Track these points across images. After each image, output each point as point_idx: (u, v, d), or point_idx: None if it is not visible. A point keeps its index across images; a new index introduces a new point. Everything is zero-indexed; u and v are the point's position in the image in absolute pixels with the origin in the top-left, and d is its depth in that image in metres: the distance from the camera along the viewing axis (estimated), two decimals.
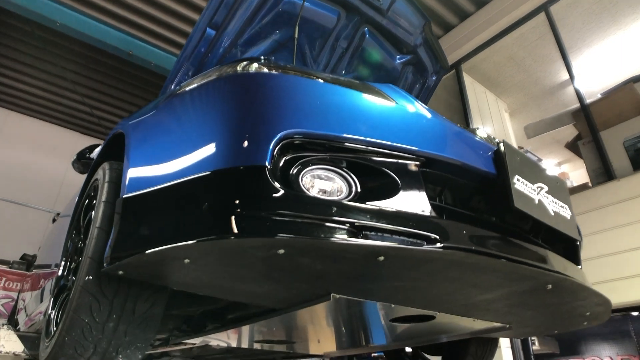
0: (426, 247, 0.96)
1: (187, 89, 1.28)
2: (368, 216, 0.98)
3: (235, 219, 0.91)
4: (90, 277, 1.22)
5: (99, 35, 5.56)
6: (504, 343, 3.64)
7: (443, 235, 1.02)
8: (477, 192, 1.31)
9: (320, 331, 1.84)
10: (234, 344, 2.27)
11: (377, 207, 1.01)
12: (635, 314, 6.56)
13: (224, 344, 2.69)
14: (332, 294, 1.22)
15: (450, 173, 1.23)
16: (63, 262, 1.72)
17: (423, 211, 1.06)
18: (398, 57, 2.88)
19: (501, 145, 1.29)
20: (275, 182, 0.97)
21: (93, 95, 7.35)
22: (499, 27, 5.37)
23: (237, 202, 0.94)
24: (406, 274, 1.09)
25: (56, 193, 7.73)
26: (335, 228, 0.93)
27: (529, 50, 5.66)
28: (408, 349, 2.69)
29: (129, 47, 5.74)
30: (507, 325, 1.76)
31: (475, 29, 5.52)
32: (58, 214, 3.47)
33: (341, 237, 0.92)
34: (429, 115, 1.27)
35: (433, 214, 1.07)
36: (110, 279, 1.24)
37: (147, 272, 1.11)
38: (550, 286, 1.24)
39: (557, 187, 1.43)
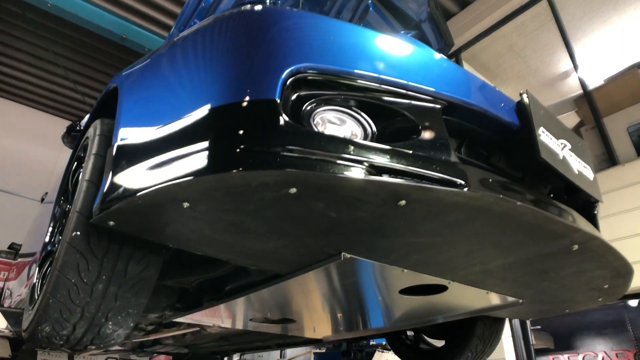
0: (454, 189, 0.87)
1: (191, 31, 1.17)
2: (388, 157, 0.89)
3: (242, 151, 0.81)
4: (78, 233, 1.12)
5: (91, 18, 5.40)
6: (505, 332, 3.57)
7: (470, 181, 0.92)
8: (498, 148, 1.22)
9: (319, 308, 1.74)
10: (228, 325, 2.17)
11: (397, 149, 0.92)
12: (634, 304, 6.55)
13: (217, 329, 2.58)
14: (342, 253, 1.13)
15: (471, 122, 1.14)
16: (50, 229, 1.61)
17: (447, 157, 0.96)
18: (402, 32, 2.79)
19: (524, 95, 1.20)
20: (286, 117, 0.87)
21: (85, 82, 7.18)
22: (499, 15, 5.30)
23: (244, 135, 0.83)
24: (426, 226, 1.00)
25: (47, 182, 7.55)
26: (353, 167, 0.84)
27: (529, 40, 5.60)
28: (410, 333, 2.60)
29: (123, 30, 5.59)
30: (520, 301, 1.67)
31: (475, 17, 5.45)
32: (46, 193, 3.34)
33: (360, 174, 0.83)
34: (449, 61, 1.18)
35: (457, 160, 0.97)
36: (100, 235, 1.14)
37: (141, 222, 1.00)
38: (576, 247, 1.15)
39: (580, 147, 1.35)
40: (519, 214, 0.96)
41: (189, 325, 2.79)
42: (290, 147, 0.83)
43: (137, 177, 0.95)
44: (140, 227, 1.03)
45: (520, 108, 1.20)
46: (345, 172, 0.82)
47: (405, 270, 1.28)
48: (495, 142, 1.20)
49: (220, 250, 1.13)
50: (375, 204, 0.89)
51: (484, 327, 2.19)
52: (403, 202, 0.89)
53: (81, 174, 1.25)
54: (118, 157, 1.06)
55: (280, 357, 4.75)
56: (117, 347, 3.66)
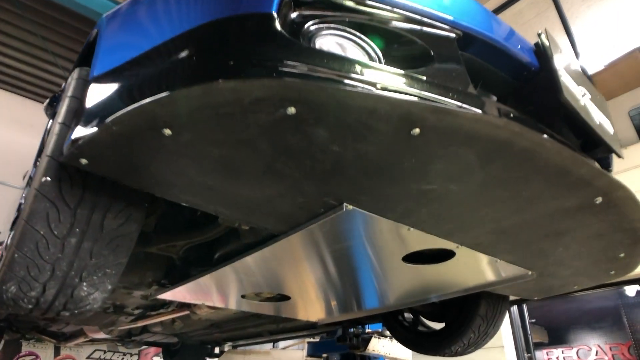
0: (475, 112, 0.76)
1: None
2: (399, 80, 0.78)
3: (233, 60, 0.69)
4: (48, 179, 0.99)
5: (81, 0, 5.23)
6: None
7: (490, 113, 0.82)
8: (514, 92, 1.11)
9: (314, 279, 1.63)
10: (219, 304, 2.05)
11: (410, 74, 0.81)
12: (631, 293, 6.53)
13: (206, 311, 2.46)
14: (344, 204, 1.02)
15: (487, 60, 1.03)
16: (25, 190, 1.48)
17: (464, 87, 0.85)
18: None
19: (543, 36, 1.10)
20: (285, 33, 0.76)
21: None
22: (496, 3, 5.23)
23: (236, 45, 0.72)
24: (440, 167, 0.89)
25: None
26: (360, 85, 0.72)
27: (525, 29, 5.53)
28: (408, 315, 2.50)
29: None
30: (529, 272, 1.57)
31: None
32: (27, 172, 3.18)
33: (369, 90, 0.72)
34: None
35: (475, 92, 0.87)
36: (73, 182, 1.01)
37: (117, 159, 0.88)
38: (600, 199, 1.05)
39: (599, 99, 1.25)
40: (545, 150, 0.86)
41: (178, 309, 2.66)
42: (289, 61, 0.71)
43: (112, 103, 0.83)
44: (117, 167, 0.91)
45: (540, 48, 1.09)
46: (353, 88, 0.71)
47: (411, 229, 1.18)
48: (511, 85, 1.10)
49: (208, 199, 1.01)
50: (385, 134, 0.78)
51: (487, 306, 2.09)
52: (417, 131, 0.78)
53: (54, 117, 1.12)
54: (93, 89, 0.94)
55: (273, 347, 4.62)
56: (103, 336, 3.52)
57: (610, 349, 7.28)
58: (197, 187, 0.96)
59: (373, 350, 2.92)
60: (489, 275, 1.59)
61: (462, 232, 1.22)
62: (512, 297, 2.33)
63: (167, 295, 1.84)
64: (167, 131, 0.78)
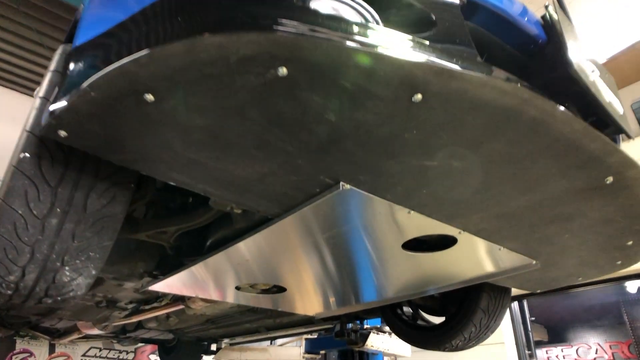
0: (482, 76, 0.71)
1: None
2: (400, 43, 0.72)
3: (218, 13, 0.64)
4: (27, 155, 0.93)
5: None
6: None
7: (498, 77, 0.76)
8: (519, 67, 1.06)
9: (310, 268, 1.57)
10: (213, 297, 1.99)
11: (411, 37, 0.75)
12: (632, 290, 6.48)
13: (201, 305, 2.40)
14: (341, 183, 0.97)
15: (492, 31, 0.98)
16: None
17: (469, 54, 0.80)
18: None
19: (550, 8, 1.04)
20: None
21: None
22: None
23: (224, 1, 0.66)
24: (442, 141, 0.84)
25: None
26: (358, 46, 0.67)
27: None
28: (407, 309, 2.44)
29: None
30: (534, 262, 1.52)
31: None
32: None
33: (368, 50, 0.66)
34: None
35: (481, 60, 0.81)
36: (54, 159, 0.96)
37: (98, 130, 0.82)
38: (611, 179, 1.00)
39: (608, 77, 1.19)
40: (555, 121, 0.80)
41: (172, 303, 2.61)
42: (281, 17, 0.66)
43: (91, 70, 0.77)
44: (99, 140, 0.85)
45: (547, 21, 1.04)
46: (350, 47, 0.65)
47: (412, 213, 1.12)
48: (518, 59, 1.04)
49: (196, 177, 0.95)
50: (384, 100, 0.73)
51: (489, 299, 2.04)
52: (419, 97, 0.72)
53: (35, 92, 1.06)
54: (74, 60, 0.88)
55: (271, 344, 4.57)
56: (97, 332, 3.46)
57: (610, 347, 7.25)
58: (184, 163, 0.90)
59: (372, 346, 2.86)
60: (492, 265, 1.53)
61: (465, 216, 1.16)
62: (513, 292, 2.28)
63: (159, 287, 1.78)
64: (149, 97, 0.72)
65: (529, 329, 3.79)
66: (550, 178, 0.99)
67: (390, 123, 0.78)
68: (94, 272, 1.09)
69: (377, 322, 3.57)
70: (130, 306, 2.68)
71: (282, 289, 1.86)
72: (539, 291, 2.01)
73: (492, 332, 2.14)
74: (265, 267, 1.51)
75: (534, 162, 0.92)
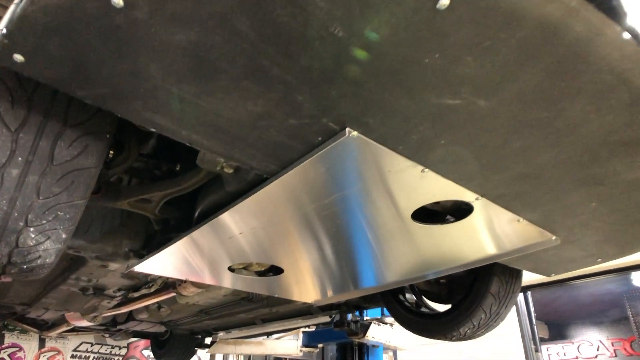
0: None
1: None
2: None
3: None
4: None
5: None
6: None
7: None
8: None
9: (310, 243, 1.44)
10: (205, 280, 1.86)
11: None
12: (637, 284, 6.37)
13: (193, 291, 2.26)
14: (347, 129, 0.84)
15: None
16: None
17: None
18: None
19: None
20: None
21: None
22: None
23: None
24: (469, 68, 0.71)
25: None
26: None
27: None
28: (410, 295, 2.31)
29: None
30: (553, 238, 1.39)
31: None
32: None
33: None
34: None
35: None
36: (14, 99, 0.82)
37: (58, 52, 0.69)
38: None
39: None
40: (605, 44, 0.67)
41: (163, 290, 2.47)
42: None
43: None
44: (61, 67, 0.72)
45: None
46: None
47: (426, 172, 0.99)
48: None
49: (180, 119, 0.82)
50: (403, 4, 0.60)
51: (500, 283, 1.91)
52: (445, 3, 0.59)
53: None
54: None
55: (267, 337, 4.43)
56: (87, 324, 3.32)
57: (613, 344, 7.15)
58: (165, 100, 0.77)
59: (372, 337, 2.73)
60: (508, 241, 1.40)
61: (485, 177, 1.04)
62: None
63: (145, 267, 1.65)
64: (118, 0, 0.59)
65: (534, 322, 3.67)
66: (587, 125, 0.86)
67: (408, 40, 0.65)
68: (64, 235, 0.96)
69: (377, 313, 3.45)
70: (118, 294, 2.55)
71: (278, 271, 1.73)
72: (552, 275, 1.89)
73: (502, 319, 2.01)
74: (259, 243, 1.38)
75: (571, 102, 0.80)
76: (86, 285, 2.31)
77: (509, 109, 0.81)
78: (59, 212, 0.92)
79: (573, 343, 7.51)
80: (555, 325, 7.78)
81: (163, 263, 1.61)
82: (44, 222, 0.91)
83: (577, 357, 7.33)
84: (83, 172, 0.91)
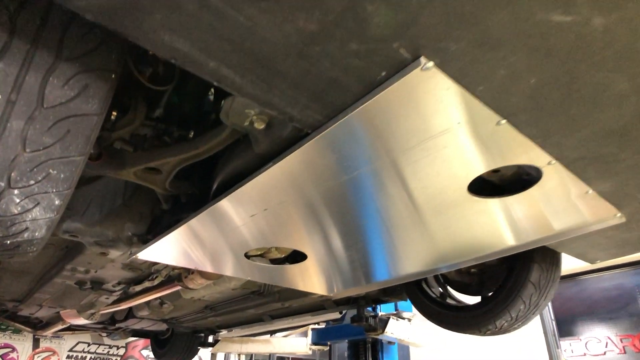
0: None
1: None
2: None
3: None
4: None
5: None
6: None
7: None
8: None
9: (346, 220, 1.26)
10: (217, 269, 1.67)
11: None
12: None
13: (200, 283, 2.06)
14: (421, 57, 0.65)
15: None
16: None
17: None
18: None
19: None
20: None
21: None
22: None
23: None
24: None
25: None
26: None
27: None
28: (436, 289, 2.13)
29: None
30: (618, 214, 1.22)
31: None
32: None
33: None
34: None
35: None
36: None
37: None
38: None
39: None
40: None
41: (167, 283, 2.28)
42: None
43: None
44: None
45: None
46: None
47: (502, 124, 0.82)
48: None
49: (206, 46, 0.63)
50: None
51: (540, 271, 1.74)
52: None
53: None
54: None
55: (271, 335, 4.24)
56: (84, 322, 3.12)
57: (622, 340, 7.01)
58: (192, 11, 0.58)
59: (391, 334, 2.56)
60: (570, 217, 1.22)
61: (569, 132, 0.86)
62: None
63: (150, 254, 1.46)
64: None
65: (552, 317, 3.50)
66: None
67: None
68: (57, 202, 0.77)
69: (390, 309, 3.27)
70: (118, 288, 2.35)
71: (300, 257, 1.54)
72: (598, 262, 1.72)
73: (540, 311, 1.84)
74: (285, 222, 1.20)
75: None
76: (83, 278, 2.12)
77: (628, 30, 0.63)
78: (51, 171, 0.73)
79: (580, 340, 7.36)
80: (562, 321, 7.63)
81: (171, 249, 1.43)
82: (32, 182, 0.72)
83: (584, 354, 7.19)
84: (82, 120, 0.72)
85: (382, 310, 3.14)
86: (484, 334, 1.87)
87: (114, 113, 1.04)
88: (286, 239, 1.34)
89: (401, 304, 3.43)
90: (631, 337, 6.96)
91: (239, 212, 1.13)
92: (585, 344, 7.34)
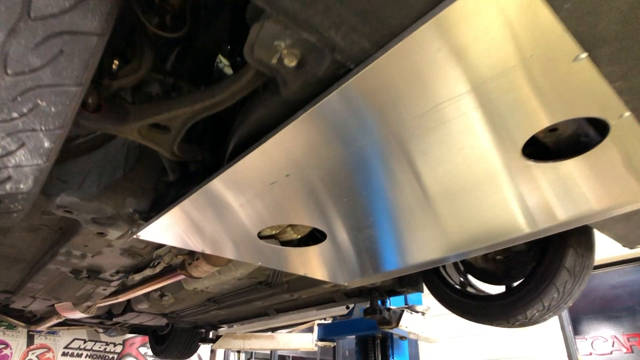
0: None
1: None
2: None
3: None
4: None
5: None
6: None
7: None
8: None
9: (370, 196, 1.13)
10: (227, 253, 1.53)
11: None
12: None
13: (203, 271, 1.92)
14: None
15: None
16: None
17: None
18: None
19: None
20: None
21: None
22: None
23: None
24: None
25: None
26: None
27: None
28: (456, 278, 2.00)
29: None
30: None
31: None
32: None
33: None
34: None
35: None
36: None
37: None
38: None
39: None
40: None
41: (169, 272, 2.14)
42: None
43: None
44: None
45: None
46: None
47: (581, 59, 0.68)
48: None
49: None
50: None
51: (575, 256, 1.61)
52: None
53: None
54: None
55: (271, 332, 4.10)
56: (80, 315, 2.97)
57: (629, 339, 6.89)
58: None
59: (405, 327, 2.42)
60: (629, 186, 1.09)
61: None
62: None
63: (153, 232, 1.32)
64: None
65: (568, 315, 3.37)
66: None
67: None
68: (47, 144, 0.62)
69: (400, 302, 3.14)
70: (116, 277, 2.21)
71: (318, 237, 1.40)
72: (634, 248, 1.61)
73: (573, 301, 1.71)
74: (311, 191, 1.06)
75: None
76: (79, 265, 1.97)
77: None
78: (40, 102, 0.59)
79: (587, 339, 7.24)
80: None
81: (177, 227, 1.28)
82: (15, 116, 0.58)
83: (591, 354, 7.07)
84: (79, 40, 0.58)
85: (392, 304, 3.00)
86: (513, 325, 1.74)
87: (116, 62, 0.91)
88: (307, 214, 1.20)
89: (411, 297, 3.29)
90: (638, 336, 6.85)
91: (258, 178, 0.99)
92: (591, 343, 7.22)
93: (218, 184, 1.01)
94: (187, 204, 1.11)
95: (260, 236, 1.37)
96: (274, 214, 1.19)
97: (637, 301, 6.79)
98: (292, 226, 1.39)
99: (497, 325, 1.78)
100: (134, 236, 1.35)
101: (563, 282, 1.60)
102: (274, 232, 1.39)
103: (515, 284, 1.80)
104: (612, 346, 7.01)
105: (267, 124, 0.85)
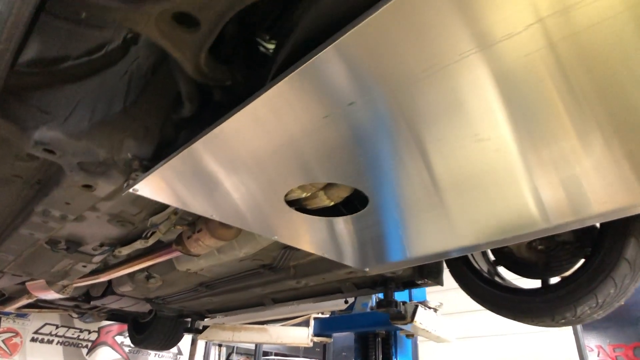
0: None
1: None
2: None
3: None
4: None
5: None
6: None
7: None
8: None
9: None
10: (240, 223, 1.29)
11: None
12: None
13: (201, 248, 1.65)
14: None
15: None
16: None
17: None
18: None
19: None
20: None
21: None
22: None
23: None
24: None
25: None
26: None
27: None
28: (485, 268, 1.79)
29: None
30: None
31: None
32: None
33: None
34: None
35: None
36: None
37: None
38: None
39: None
40: None
41: (163, 247, 1.87)
42: None
43: None
44: None
45: None
46: None
47: None
48: None
49: None
50: None
51: (637, 248, 1.41)
52: None
53: None
54: None
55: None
56: (54, 296, 2.66)
57: (614, 349, 6.86)
58: None
59: (420, 324, 2.21)
60: None
61: None
62: None
63: (154, 186, 1.06)
64: None
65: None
66: None
67: None
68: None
69: (404, 297, 2.93)
70: (99, 251, 1.93)
71: (363, 200, 1.16)
72: None
73: (628, 296, 1.52)
74: (372, 134, 0.82)
75: None
76: (57, 234, 1.69)
77: None
78: None
79: None
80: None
81: (187, 179, 1.03)
82: None
83: None
84: None
85: (397, 298, 2.79)
86: (557, 324, 1.53)
87: None
88: (355, 170, 0.96)
89: (415, 292, 3.09)
90: (624, 346, 6.82)
91: (313, 103, 0.74)
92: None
93: (260, 108, 0.76)
94: (204, 143, 0.86)
95: (289, 199, 1.13)
96: (316, 166, 0.94)
97: (623, 311, 6.74)
98: (325, 189, 1.15)
99: (538, 323, 1.57)
100: (130, 190, 1.09)
101: (622, 275, 1.40)
102: (303, 195, 1.15)
103: (554, 279, 1.60)
104: (598, 356, 6.97)
105: (342, 16, 0.61)
